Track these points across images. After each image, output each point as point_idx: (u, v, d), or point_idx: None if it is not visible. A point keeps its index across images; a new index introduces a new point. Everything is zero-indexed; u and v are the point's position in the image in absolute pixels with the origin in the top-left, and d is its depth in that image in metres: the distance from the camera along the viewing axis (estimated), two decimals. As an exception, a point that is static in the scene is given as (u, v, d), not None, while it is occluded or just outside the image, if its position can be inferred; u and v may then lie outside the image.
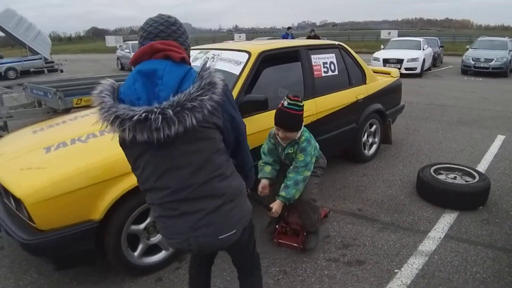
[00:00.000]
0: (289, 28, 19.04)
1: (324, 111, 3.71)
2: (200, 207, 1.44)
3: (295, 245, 2.82)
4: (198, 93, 1.28)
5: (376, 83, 4.56)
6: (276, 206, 2.50)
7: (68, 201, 2.17)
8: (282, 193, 2.51)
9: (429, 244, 2.91)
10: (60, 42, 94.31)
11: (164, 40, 1.42)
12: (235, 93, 2.97)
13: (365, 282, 2.51)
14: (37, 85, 7.39)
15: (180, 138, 1.31)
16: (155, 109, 1.23)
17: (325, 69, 3.89)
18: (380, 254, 2.80)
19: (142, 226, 2.53)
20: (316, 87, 3.71)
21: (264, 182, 2.63)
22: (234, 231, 1.52)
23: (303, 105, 2.46)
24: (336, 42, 4.33)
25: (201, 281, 1.94)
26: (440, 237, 2.99)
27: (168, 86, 1.31)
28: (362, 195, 3.78)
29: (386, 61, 13.34)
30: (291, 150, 2.59)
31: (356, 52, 4.48)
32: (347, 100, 4.03)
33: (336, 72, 4.03)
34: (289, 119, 2.44)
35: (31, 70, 18.48)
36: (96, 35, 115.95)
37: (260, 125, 3.05)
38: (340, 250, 2.86)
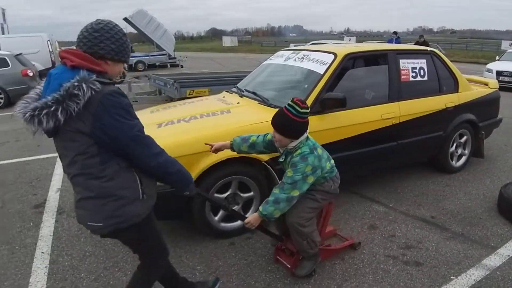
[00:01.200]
0: (394, 32, 18.41)
1: (408, 115, 3.78)
2: (78, 191, 1.70)
3: (288, 266, 2.64)
4: (52, 101, 1.47)
5: (470, 92, 4.40)
6: (251, 218, 2.35)
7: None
8: (260, 207, 2.32)
9: (495, 259, 2.84)
10: (183, 40, 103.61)
11: (86, 44, 1.60)
12: (317, 90, 3.27)
13: (418, 282, 2.59)
14: (159, 76, 8.60)
15: (58, 133, 1.58)
16: (38, 106, 1.49)
17: (414, 74, 3.94)
18: (441, 260, 2.83)
19: (224, 195, 3.00)
20: (402, 90, 3.81)
21: (221, 143, 2.60)
22: (101, 224, 1.68)
23: (303, 113, 2.22)
24: (429, 48, 4.32)
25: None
26: (509, 255, 2.88)
27: (52, 89, 1.52)
28: (439, 204, 3.75)
29: (499, 73, 12.08)
30: (282, 159, 2.42)
31: (473, 62, 4.46)
32: (434, 107, 4.02)
33: (425, 78, 4.04)
34: (283, 121, 2.25)
35: (157, 64, 21.01)
36: (215, 35, 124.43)
37: (337, 122, 3.31)
38: (402, 250, 2.97)
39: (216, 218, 3.03)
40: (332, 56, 3.50)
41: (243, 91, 3.96)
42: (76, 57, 1.58)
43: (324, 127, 3.27)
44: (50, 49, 13.81)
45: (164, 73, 10.37)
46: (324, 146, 3.23)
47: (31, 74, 10.44)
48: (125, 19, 20.29)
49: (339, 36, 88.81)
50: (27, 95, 1.58)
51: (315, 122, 3.19)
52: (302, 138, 2.31)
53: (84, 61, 1.57)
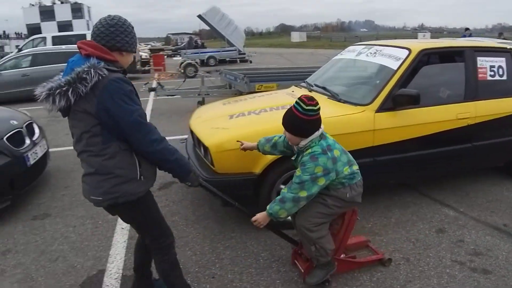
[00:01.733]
0: (467, 29, 17.19)
1: (485, 116, 3.53)
2: (83, 167, 1.88)
3: (302, 271, 2.55)
4: (65, 82, 1.66)
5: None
6: (259, 216, 2.30)
7: (240, 154, 2.85)
8: (268, 205, 2.27)
9: None
10: (252, 36, 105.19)
11: (104, 39, 1.78)
12: (389, 87, 3.18)
13: (487, 290, 2.45)
14: (230, 71, 8.88)
15: (70, 113, 1.78)
16: (53, 86, 1.69)
17: (492, 73, 3.66)
18: (510, 270, 2.64)
19: (290, 188, 3.05)
20: (478, 90, 3.57)
21: (250, 144, 2.65)
22: (100, 198, 1.83)
23: (309, 110, 2.14)
24: (509, 46, 3.97)
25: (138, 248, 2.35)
26: None
27: (66, 73, 1.73)
28: (516, 212, 3.47)
29: None
30: (294, 157, 2.36)
31: None
32: (514, 109, 3.70)
33: (505, 78, 3.73)
34: (290, 119, 2.20)
35: (227, 59, 21.60)
36: (283, 31, 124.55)
37: (409, 120, 3.20)
38: (470, 256, 2.80)
39: (281, 209, 3.10)
40: (406, 52, 3.38)
41: (312, 86, 3.97)
42: (89, 47, 1.77)
43: (396, 124, 3.18)
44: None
45: (234, 68, 10.66)
46: (395, 144, 3.19)
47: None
48: (199, 16, 21.12)
49: (412, 32, 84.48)
50: (49, 79, 1.76)
51: (386, 119, 3.13)
52: (313, 137, 2.20)
53: (96, 50, 1.76)
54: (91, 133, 1.77)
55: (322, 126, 2.26)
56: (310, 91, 3.87)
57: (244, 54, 22.29)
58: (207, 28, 23.22)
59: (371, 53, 3.78)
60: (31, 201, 3.94)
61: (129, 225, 3.31)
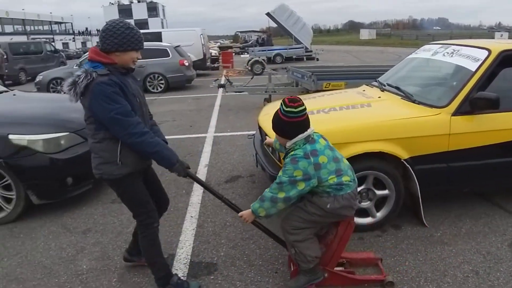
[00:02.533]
0: None
1: None
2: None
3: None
4: (70, 83, 2.04)
5: None
6: (245, 212, 2.34)
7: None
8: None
9: None
10: (319, 34, 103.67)
11: (100, 44, 2.12)
12: (467, 89, 2.99)
13: None
14: (297, 69, 8.88)
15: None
16: (68, 83, 2.06)
17: None
18: None
19: (358, 190, 3.00)
20: None
21: (270, 140, 2.85)
22: (94, 171, 2.26)
23: (288, 112, 2.13)
24: None
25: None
26: None
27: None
28: None
29: None
30: (283, 157, 2.30)
31: None
32: None
33: None
34: (273, 119, 2.23)
35: (293, 57, 21.60)
36: (352, 28, 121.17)
37: (487, 125, 2.99)
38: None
39: (347, 210, 3.06)
40: (486, 53, 3.15)
41: (384, 85, 3.86)
42: (91, 52, 2.13)
43: (473, 129, 2.99)
44: (203, 42, 15.45)
45: (301, 66, 10.65)
46: (471, 150, 3.00)
47: (186, 64, 11.90)
48: (268, 14, 21.35)
49: (488, 31, 77.39)
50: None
51: (463, 123, 2.96)
52: (297, 139, 2.16)
53: (95, 55, 2.11)
54: (89, 121, 2.18)
55: (310, 129, 2.21)
56: (382, 91, 3.77)
57: (311, 51, 22.12)
58: (274, 25, 23.35)
59: (448, 52, 3.58)
60: (111, 186, 4.29)
61: (198, 214, 3.52)
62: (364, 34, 62.94)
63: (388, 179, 2.99)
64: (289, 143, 2.20)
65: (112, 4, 66.73)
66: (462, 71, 3.20)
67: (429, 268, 2.66)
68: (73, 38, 65.02)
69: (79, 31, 71.61)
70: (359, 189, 3.00)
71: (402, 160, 2.94)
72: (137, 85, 2.34)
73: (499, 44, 3.33)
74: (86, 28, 76.06)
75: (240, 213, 2.39)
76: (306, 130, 2.19)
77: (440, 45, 3.84)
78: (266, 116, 3.69)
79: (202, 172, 4.59)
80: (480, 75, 3.03)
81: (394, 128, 2.93)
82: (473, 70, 3.09)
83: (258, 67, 15.94)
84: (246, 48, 34.32)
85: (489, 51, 3.16)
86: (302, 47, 21.63)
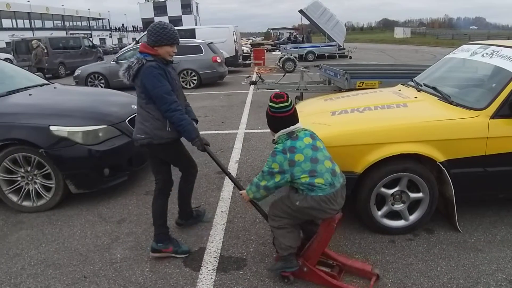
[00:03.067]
0: None
1: None
2: (135, 117, 2.84)
3: None
4: (125, 68, 2.65)
5: None
6: (243, 192, 2.61)
7: (342, 152, 2.84)
8: None
9: None
10: (353, 31, 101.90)
11: (146, 39, 2.69)
12: (507, 91, 2.85)
13: None
14: (330, 67, 8.78)
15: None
16: (124, 68, 2.67)
17: None
18: None
19: (391, 191, 2.95)
20: None
21: None
22: (142, 136, 2.75)
23: (271, 106, 2.36)
24: None
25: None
26: None
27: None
28: None
29: None
30: None
31: None
32: None
33: None
34: (266, 113, 2.46)
35: (326, 55, 21.33)
36: (386, 26, 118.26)
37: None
38: None
39: (380, 213, 3.01)
40: (528, 54, 2.99)
41: (421, 85, 3.76)
42: (141, 46, 2.71)
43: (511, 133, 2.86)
44: (235, 39, 15.53)
45: (334, 64, 10.52)
46: (509, 155, 2.85)
47: (219, 60, 12.01)
48: (300, 11, 21.19)
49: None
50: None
51: (502, 127, 2.84)
52: (280, 134, 2.34)
53: (144, 48, 2.68)
54: (141, 97, 2.70)
55: (295, 125, 2.36)
56: (419, 91, 3.67)
57: (344, 49, 21.77)
58: (306, 22, 23.14)
59: (487, 53, 3.43)
60: (144, 177, 4.41)
61: (228, 209, 3.56)
62: (399, 33, 61.34)
63: (423, 182, 2.91)
64: (274, 137, 2.42)
65: (148, 1, 68.25)
66: (502, 73, 3.06)
67: (461, 274, 2.58)
68: (110, 34, 66.96)
69: (115, 27, 73.67)
70: (392, 191, 2.95)
71: (437, 163, 2.86)
72: (175, 73, 2.91)
73: None
74: (122, 25, 78.23)
75: (241, 191, 2.67)
76: (289, 126, 2.33)
77: (479, 46, 3.69)
78: (299, 114, 3.66)
79: (232, 168, 4.63)
80: (521, 77, 2.89)
81: (430, 130, 2.85)
82: (515, 72, 2.94)
83: (290, 64, 15.86)
84: (278, 46, 34.32)
85: None
86: (335, 45, 21.31)
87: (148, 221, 3.40)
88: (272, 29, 58.46)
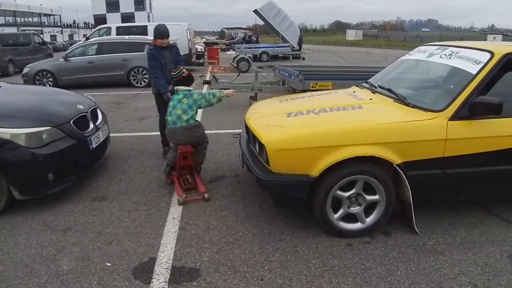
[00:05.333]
0: None
1: None
2: None
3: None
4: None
5: None
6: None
7: (298, 155, 2.76)
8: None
9: None
10: (306, 33, 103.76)
11: None
12: (466, 93, 2.91)
13: None
14: (284, 67, 8.78)
15: None
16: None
17: None
18: None
19: (347, 194, 2.91)
20: None
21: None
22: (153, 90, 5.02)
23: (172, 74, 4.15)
24: None
25: None
26: None
27: None
28: None
29: None
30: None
31: None
32: None
33: None
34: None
35: (280, 55, 21.48)
36: (339, 28, 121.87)
37: (487, 131, 2.92)
38: None
39: (336, 216, 2.96)
40: (488, 55, 3.07)
41: (375, 87, 3.77)
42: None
43: (471, 135, 2.90)
44: (188, 37, 15.17)
45: (288, 65, 10.55)
46: (469, 157, 2.93)
47: (171, 58, 11.65)
48: (255, 11, 21.16)
49: (480, 33, 79.04)
50: None
51: (460, 129, 2.88)
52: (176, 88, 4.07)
53: (153, 40, 4.68)
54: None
55: (181, 88, 3.97)
56: (373, 93, 3.68)
57: (298, 50, 22.04)
58: (261, 23, 23.18)
59: (445, 54, 3.51)
60: (91, 182, 4.10)
61: (180, 215, 3.36)
62: (351, 35, 63.40)
63: (379, 184, 2.89)
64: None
65: None
66: (461, 74, 3.11)
67: (423, 279, 2.56)
68: (61, 30, 64.34)
69: (66, 24, 70.56)
70: (348, 194, 2.91)
71: (394, 165, 2.85)
72: (169, 54, 4.74)
73: (502, 46, 3.23)
74: (74, 21, 74.89)
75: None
76: (178, 86, 4.01)
77: (437, 47, 3.76)
78: (255, 116, 3.56)
79: (185, 171, 4.43)
80: (481, 79, 2.93)
81: (387, 132, 2.84)
82: (474, 73, 2.99)
83: (244, 64, 15.77)
84: (232, 45, 34.14)
85: (492, 53, 3.07)
86: (289, 46, 21.51)
87: (95, 230, 3.15)
88: (227, 28, 58.32)
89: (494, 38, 35.43)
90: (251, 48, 21.42)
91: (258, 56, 20.61)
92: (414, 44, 42.56)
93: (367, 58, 26.22)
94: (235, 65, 15.97)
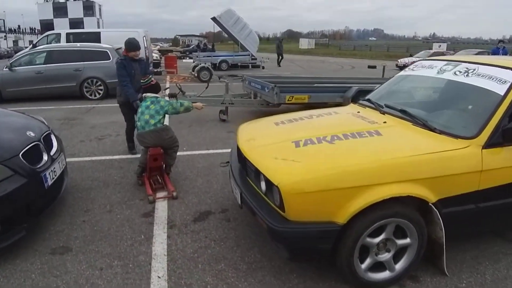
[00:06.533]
0: (500, 41, 16.16)
1: None
2: None
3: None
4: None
5: None
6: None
7: (321, 198, 2.24)
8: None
9: None
10: (259, 41, 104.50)
11: None
12: (498, 116, 2.54)
13: None
14: (255, 79, 8.27)
15: None
16: None
17: None
18: None
19: (376, 240, 2.42)
20: None
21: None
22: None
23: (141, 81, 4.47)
24: None
25: None
26: None
27: None
28: None
29: None
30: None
31: None
32: None
33: None
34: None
35: (239, 64, 20.99)
36: (291, 37, 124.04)
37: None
38: None
39: (363, 266, 2.46)
40: (513, 73, 2.74)
41: (382, 107, 3.35)
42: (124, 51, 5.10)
43: (506, 164, 2.54)
44: (145, 45, 14.25)
45: (258, 75, 10.08)
46: (503, 187, 2.55)
47: (129, 68, 10.74)
48: (213, 19, 20.50)
49: (423, 41, 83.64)
50: None
51: (495, 157, 2.50)
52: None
53: (124, 51, 5.08)
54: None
55: (148, 94, 4.26)
56: (382, 113, 3.24)
57: (256, 59, 21.66)
58: (215, 30, 22.65)
59: (460, 71, 3.15)
60: (48, 227, 3.30)
61: (166, 271, 2.70)
62: (304, 44, 64.41)
63: (412, 227, 2.44)
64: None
65: (47, 1, 62.58)
66: (487, 95, 2.73)
67: None
68: (5, 36, 59.74)
69: (10, 29, 65.76)
70: (377, 240, 2.42)
71: (430, 204, 2.41)
72: (138, 66, 5.06)
73: None
74: (19, 26, 70.02)
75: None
76: (146, 93, 4.28)
77: (445, 62, 3.40)
78: (253, 144, 2.98)
79: (161, 207, 3.73)
80: (511, 100, 2.59)
81: (421, 166, 2.39)
82: (502, 94, 2.63)
83: (206, 73, 15.08)
84: (188, 53, 33.17)
85: None
86: (249, 55, 21.09)
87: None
88: (181, 35, 56.99)
89: (439, 46, 37.17)
90: (210, 56, 20.75)
91: (217, 64, 19.98)
92: (364, 53, 44.72)
93: (324, 66, 26.44)
94: (196, 74, 15.26)
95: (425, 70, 3.58)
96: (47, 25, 45.72)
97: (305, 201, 2.25)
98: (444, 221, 2.45)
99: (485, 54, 19.53)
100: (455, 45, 48.11)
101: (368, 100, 3.65)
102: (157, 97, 4.20)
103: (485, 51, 21.18)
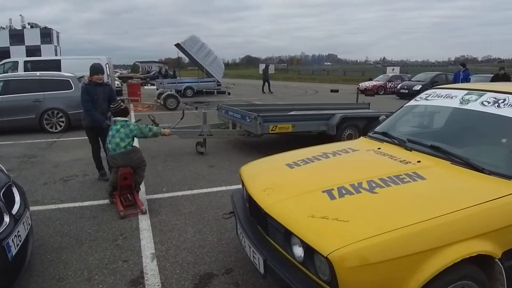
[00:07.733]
0: (462, 64, 15.10)
1: None
2: None
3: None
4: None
5: None
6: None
7: (386, 270, 1.78)
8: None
9: None
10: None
11: None
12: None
13: None
14: (232, 107, 7.83)
15: None
16: None
17: None
18: None
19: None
20: None
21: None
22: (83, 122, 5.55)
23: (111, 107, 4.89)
24: None
25: None
26: None
27: None
28: None
29: None
30: None
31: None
32: None
33: None
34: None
35: (204, 90, 20.57)
36: (249, 62, 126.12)
37: None
38: None
39: None
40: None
41: (405, 141, 2.99)
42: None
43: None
44: (108, 72, 13.49)
45: (215, 100, 9.66)
46: None
47: (92, 98, 9.97)
48: (177, 45, 20.04)
49: (374, 66, 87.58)
50: None
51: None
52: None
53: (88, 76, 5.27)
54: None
55: (118, 118, 4.56)
56: (408, 150, 2.88)
57: (220, 85, 21.34)
58: (175, 56, 22.13)
59: (488, 102, 2.86)
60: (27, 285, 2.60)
61: None
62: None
63: (476, 286, 2.05)
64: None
65: (3, 28, 60.14)
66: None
67: None
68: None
69: (-37, 57, 62.08)
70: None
71: (496, 260, 2.03)
72: (102, 91, 5.19)
73: None
74: (-28, 54, 66.20)
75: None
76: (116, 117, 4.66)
77: (465, 91, 3.11)
78: (272, 194, 2.48)
79: (151, 270, 3.09)
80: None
81: (488, 217, 2.03)
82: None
83: (173, 101, 14.52)
84: (148, 79, 32.27)
85: None
86: (214, 81, 20.72)
87: None
88: (140, 62, 55.87)
89: (393, 69, 38.62)
90: (175, 83, 20.16)
91: (182, 91, 19.40)
92: (322, 77, 45.99)
93: (288, 91, 26.59)
94: (162, 102, 14.62)
95: (443, 100, 3.28)
96: (3, 53, 43.26)
97: (365, 275, 1.78)
98: (507, 275, 2.09)
99: (442, 77, 20.35)
100: (407, 68, 50.55)
101: (385, 134, 3.31)
102: (126, 121, 4.52)
103: (442, 73, 21.98)
